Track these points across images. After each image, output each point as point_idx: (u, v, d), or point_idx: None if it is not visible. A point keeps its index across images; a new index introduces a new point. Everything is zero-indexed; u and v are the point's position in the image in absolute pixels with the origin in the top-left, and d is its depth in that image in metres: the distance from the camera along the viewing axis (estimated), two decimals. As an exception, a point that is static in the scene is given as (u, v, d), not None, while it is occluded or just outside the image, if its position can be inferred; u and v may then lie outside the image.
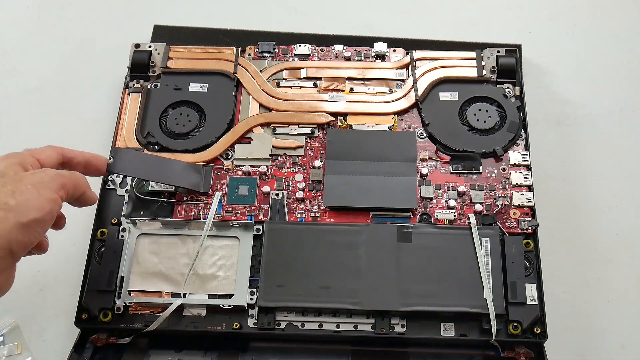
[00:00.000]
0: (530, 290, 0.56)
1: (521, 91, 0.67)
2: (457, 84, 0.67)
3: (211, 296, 0.57)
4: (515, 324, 0.55)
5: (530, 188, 0.62)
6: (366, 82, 0.68)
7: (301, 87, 0.68)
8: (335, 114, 0.66)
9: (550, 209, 0.65)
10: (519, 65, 0.68)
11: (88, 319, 0.57)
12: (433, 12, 0.78)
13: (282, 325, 0.56)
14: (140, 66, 0.68)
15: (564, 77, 0.73)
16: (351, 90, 0.67)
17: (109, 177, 0.63)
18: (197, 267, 0.58)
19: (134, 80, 0.68)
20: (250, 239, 0.59)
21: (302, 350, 0.57)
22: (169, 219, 0.60)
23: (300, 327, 0.56)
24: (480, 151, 0.63)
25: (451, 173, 0.63)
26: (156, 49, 0.69)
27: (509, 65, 0.67)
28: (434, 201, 0.61)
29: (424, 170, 0.62)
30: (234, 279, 0.58)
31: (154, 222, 0.60)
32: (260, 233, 0.59)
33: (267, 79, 0.68)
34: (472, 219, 0.59)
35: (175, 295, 0.57)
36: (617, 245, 0.64)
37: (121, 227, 0.60)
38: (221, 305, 0.57)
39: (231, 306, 0.57)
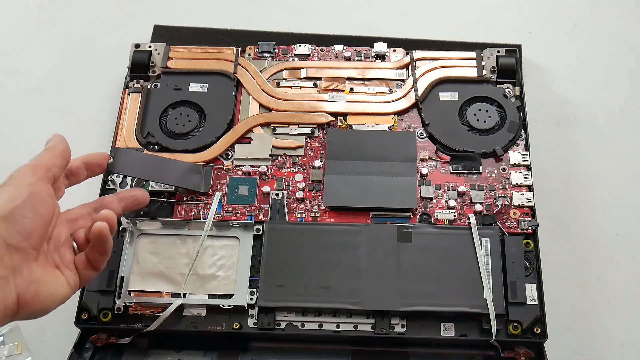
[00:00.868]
0: (530, 290, 0.56)
1: (521, 91, 0.67)
2: (457, 84, 0.67)
3: (211, 296, 0.57)
4: (515, 324, 0.55)
5: (530, 188, 0.62)
6: (366, 82, 0.68)
7: (301, 87, 0.68)
8: (335, 114, 0.66)
9: (550, 209, 0.65)
10: (519, 65, 0.68)
11: (88, 319, 0.57)
12: (433, 12, 0.78)
13: (282, 325, 0.56)
14: (140, 66, 0.68)
15: (564, 77, 0.73)
16: (351, 90, 0.67)
17: (109, 177, 0.63)
18: (197, 267, 0.58)
19: (134, 80, 0.68)
20: (250, 239, 0.59)
21: (302, 350, 0.57)
22: (169, 219, 0.60)
23: (300, 327, 0.56)
24: (480, 151, 0.63)
25: (451, 173, 0.63)
26: (156, 49, 0.69)
27: (509, 65, 0.67)
28: (434, 201, 0.61)
29: (424, 170, 0.62)
30: (234, 279, 0.58)
31: (154, 222, 0.60)
32: (260, 233, 0.59)
33: (267, 79, 0.68)
34: (472, 219, 0.59)
35: (175, 295, 0.57)
36: (617, 245, 0.64)
37: (121, 227, 0.60)
38: (221, 305, 0.57)
39: (231, 306, 0.57)
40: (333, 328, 0.56)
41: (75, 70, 0.75)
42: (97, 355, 0.57)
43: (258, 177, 0.63)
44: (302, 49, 0.70)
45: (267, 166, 0.63)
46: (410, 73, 0.68)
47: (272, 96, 0.67)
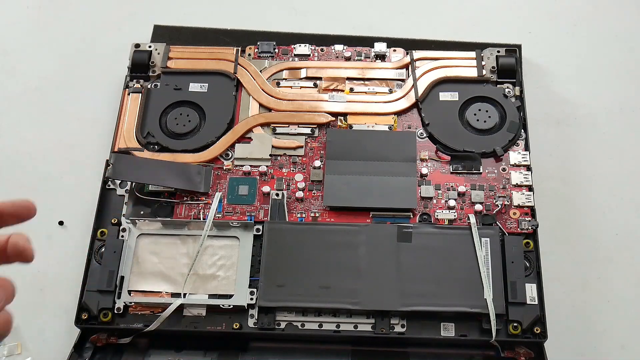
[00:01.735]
0: (530, 290, 0.56)
1: (521, 91, 0.67)
2: (457, 84, 0.67)
3: (211, 296, 0.57)
4: (515, 324, 0.55)
5: (530, 188, 0.62)
6: (366, 82, 0.68)
7: (301, 87, 0.68)
8: (335, 114, 0.66)
9: (550, 209, 0.65)
10: (519, 65, 0.68)
11: (88, 319, 0.57)
12: (433, 12, 0.78)
13: (282, 325, 0.56)
14: (140, 66, 0.68)
15: (564, 77, 0.73)
16: (351, 90, 0.67)
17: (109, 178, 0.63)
18: (197, 267, 0.58)
19: (134, 80, 0.68)
20: (250, 239, 0.59)
21: (302, 350, 0.57)
22: (169, 219, 0.60)
23: (300, 327, 0.56)
24: (480, 151, 0.63)
25: (451, 173, 0.63)
26: (156, 49, 0.69)
27: (509, 65, 0.67)
28: (434, 201, 0.61)
29: (424, 170, 0.62)
30: (234, 279, 0.58)
31: (154, 222, 0.60)
32: (260, 233, 0.59)
33: (267, 79, 0.68)
34: (472, 219, 0.59)
35: (175, 295, 0.57)
36: (617, 245, 0.64)
37: (121, 227, 0.60)
38: (221, 305, 0.57)
39: (231, 306, 0.57)
40: (333, 328, 0.56)
41: (75, 70, 0.75)
42: (97, 355, 0.57)
43: (258, 177, 0.63)
44: (302, 49, 0.70)
45: (267, 166, 0.63)
46: (410, 73, 0.68)
47: (272, 96, 0.67)
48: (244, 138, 0.65)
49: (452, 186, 0.62)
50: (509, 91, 0.66)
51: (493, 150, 0.63)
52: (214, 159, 0.64)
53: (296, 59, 0.70)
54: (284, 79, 0.69)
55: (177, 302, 0.56)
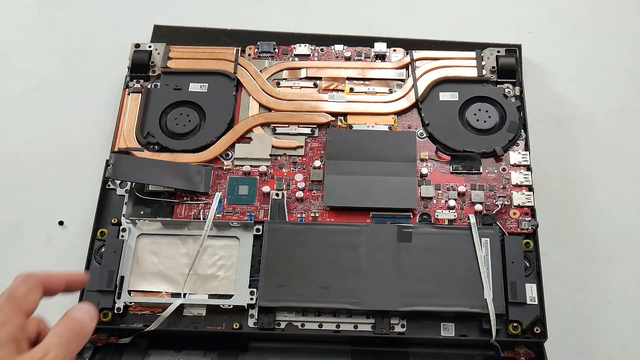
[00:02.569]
0: (530, 290, 0.56)
1: (521, 91, 0.67)
2: (457, 84, 0.67)
3: (211, 296, 0.57)
4: (515, 324, 0.55)
5: (530, 188, 0.62)
6: (366, 82, 0.68)
7: (301, 87, 0.68)
8: (335, 114, 0.66)
9: (550, 209, 0.65)
10: (519, 65, 0.68)
11: (88, 319, 0.57)
12: (433, 12, 0.78)
13: (282, 325, 0.56)
14: (140, 66, 0.68)
15: (564, 77, 0.73)
16: (351, 90, 0.67)
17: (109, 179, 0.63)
18: (197, 267, 0.58)
19: (134, 80, 0.68)
20: (250, 239, 0.59)
21: (302, 350, 0.57)
22: (169, 219, 0.60)
23: (300, 327, 0.56)
24: (480, 151, 0.63)
25: (451, 173, 0.63)
26: (156, 49, 0.69)
27: (509, 65, 0.67)
28: (434, 201, 0.61)
29: (424, 170, 0.62)
30: (234, 279, 0.58)
31: (154, 222, 0.60)
32: (260, 233, 0.59)
33: (267, 79, 0.68)
34: (472, 219, 0.59)
35: (175, 295, 0.57)
36: (617, 245, 0.64)
37: (121, 227, 0.60)
38: (221, 305, 0.57)
39: (231, 306, 0.57)
40: (333, 328, 0.56)
41: (75, 70, 0.75)
42: (97, 355, 0.57)
43: (258, 177, 0.63)
44: (302, 49, 0.70)
45: (267, 166, 0.63)
46: (410, 73, 0.68)
47: (272, 96, 0.67)
48: (244, 138, 0.65)
49: (452, 186, 0.62)
50: (509, 91, 0.66)
51: (493, 150, 0.63)
52: (214, 159, 0.64)
53: (296, 59, 0.70)
54: (284, 79, 0.69)
55: (177, 302, 0.56)
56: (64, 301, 0.61)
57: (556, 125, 0.71)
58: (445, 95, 0.67)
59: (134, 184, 0.62)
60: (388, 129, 0.65)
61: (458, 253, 0.57)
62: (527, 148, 0.64)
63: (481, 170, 0.63)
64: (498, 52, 0.68)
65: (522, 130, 0.65)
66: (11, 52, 0.76)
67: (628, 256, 0.64)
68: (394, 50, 0.70)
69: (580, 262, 0.64)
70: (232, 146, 0.65)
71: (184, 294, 0.57)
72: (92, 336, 0.57)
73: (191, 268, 0.58)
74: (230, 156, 0.64)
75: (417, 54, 0.69)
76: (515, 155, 0.63)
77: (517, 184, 0.62)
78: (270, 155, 0.64)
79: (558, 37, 0.76)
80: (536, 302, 0.56)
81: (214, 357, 0.56)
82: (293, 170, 0.64)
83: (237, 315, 0.57)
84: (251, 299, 0.57)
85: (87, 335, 0.38)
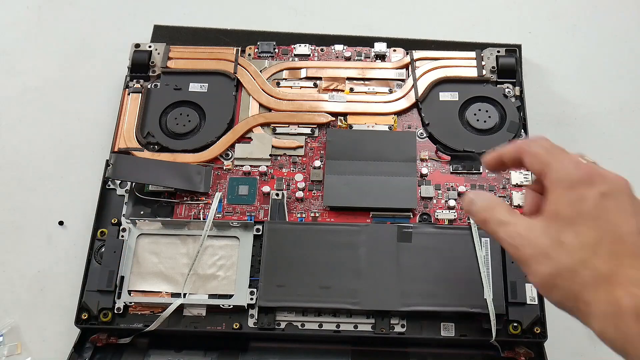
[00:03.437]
0: (530, 290, 0.56)
1: (521, 91, 0.67)
2: (457, 84, 0.67)
3: (211, 296, 0.57)
4: (515, 324, 0.55)
5: (530, 188, 0.61)
6: (366, 82, 0.68)
7: (301, 87, 0.68)
8: (335, 114, 0.66)
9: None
10: (519, 65, 0.68)
11: (88, 319, 0.57)
12: (433, 12, 0.78)
13: (282, 325, 0.56)
14: (140, 66, 0.68)
15: (564, 77, 0.73)
16: (351, 90, 0.67)
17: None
18: (197, 267, 0.58)
19: (134, 80, 0.68)
20: (250, 239, 0.59)
21: (302, 350, 0.57)
22: (169, 219, 0.60)
23: (300, 327, 0.56)
24: (480, 151, 0.63)
25: (451, 173, 0.63)
26: (156, 49, 0.69)
27: (509, 65, 0.67)
28: (434, 201, 0.61)
29: (424, 170, 0.62)
30: (234, 279, 0.58)
31: (154, 222, 0.60)
32: (260, 233, 0.59)
33: (267, 79, 0.68)
34: (472, 219, 0.59)
35: (175, 295, 0.57)
36: (617, 245, 0.64)
37: (121, 227, 0.60)
38: (221, 305, 0.57)
39: (231, 306, 0.57)
40: (333, 328, 0.56)
41: (75, 70, 0.75)
42: (97, 355, 0.57)
43: (258, 177, 0.63)
44: (302, 49, 0.70)
45: (267, 166, 0.63)
46: (410, 73, 0.68)
47: (272, 96, 0.67)
48: (244, 138, 0.65)
49: (452, 186, 0.62)
50: (509, 91, 0.67)
51: (493, 150, 0.63)
52: (214, 159, 0.64)
53: (296, 59, 0.70)
54: (284, 79, 0.69)
55: (177, 302, 0.56)
56: (63, 301, 0.61)
57: (556, 125, 0.71)
58: (445, 95, 0.67)
59: (134, 184, 0.62)
60: (388, 129, 0.65)
61: (458, 253, 0.57)
62: (527, 148, 0.64)
63: (481, 170, 0.63)
64: (498, 52, 0.68)
65: (522, 130, 0.65)
66: (11, 52, 0.76)
67: (628, 256, 0.64)
68: (394, 50, 0.70)
69: (580, 262, 0.63)
70: (232, 146, 0.65)
71: (184, 294, 0.57)
72: (92, 336, 0.57)
73: (191, 268, 0.58)
74: (230, 156, 0.64)
75: (417, 54, 0.69)
76: (515, 155, 0.63)
77: (517, 184, 0.62)
78: (270, 155, 0.64)
79: (558, 37, 0.76)
80: (536, 302, 0.56)
81: (214, 357, 0.56)
82: (293, 170, 0.64)
83: (237, 315, 0.57)
84: (251, 299, 0.57)
85: None
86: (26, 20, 0.78)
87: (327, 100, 0.67)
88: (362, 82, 0.68)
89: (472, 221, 0.59)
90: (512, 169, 0.53)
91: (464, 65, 0.68)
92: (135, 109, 0.66)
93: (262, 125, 0.66)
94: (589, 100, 0.72)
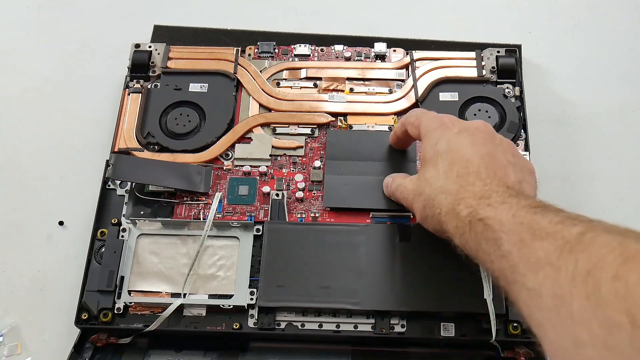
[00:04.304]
0: (530, 290, 0.56)
1: (521, 91, 0.67)
2: (457, 84, 0.67)
3: (211, 296, 0.57)
4: (515, 324, 0.55)
5: (530, 188, 0.61)
6: (366, 82, 0.68)
7: (301, 87, 0.68)
8: (335, 114, 0.66)
9: (550, 209, 0.65)
10: (519, 65, 0.68)
11: (88, 319, 0.57)
12: (433, 12, 0.78)
13: (282, 325, 0.56)
14: (140, 66, 0.68)
15: (564, 77, 0.73)
16: (351, 90, 0.67)
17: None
18: (197, 267, 0.58)
19: (134, 80, 0.68)
20: (250, 239, 0.59)
21: (302, 350, 0.57)
22: (169, 219, 0.60)
23: (300, 327, 0.56)
24: (480, 151, 0.63)
25: (451, 173, 0.63)
26: (156, 49, 0.69)
27: (509, 66, 0.67)
28: (434, 201, 0.61)
29: (424, 170, 0.62)
30: (234, 279, 0.58)
31: (154, 222, 0.60)
32: (260, 233, 0.59)
33: (267, 79, 0.68)
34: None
35: (175, 295, 0.57)
36: (617, 245, 0.64)
37: (121, 227, 0.60)
38: (221, 305, 0.57)
39: (231, 306, 0.57)
40: (333, 328, 0.56)
41: (76, 70, 0.75)
42: (97, 355, 0.57)
43: (258, 177, 0.63)
44: (302, 49, 0.70)
45: (267, 166, 0.63)
46: (410, 73, 0.68)
47: (272, 96, 0.67)
48: (244, 138, 0.65)
49: (452, 186, 0.62)
50: (508, 91, 0.67)
51: (493, 150, 0.63)
52: (214, 159, 0.64)
53: (296, 59, 0.70)
54: (284, 79, 0.69)
55: (177, 302, 0.56)
56: (63, 301, 0.61)
57: (556, 125, 0.71)
58: (445, 96, 0.67)
59: (134, 184, 0.62)
60: (388, 129, 0.65)
61: (458, 253, 0.57)
62: (527, 148, 0.64)
63: (481, 170, 0.63)
64: (498, 52, 0.68)
65: (522, 131, 0.65)
66: (11, 52, 0.76)
67: (628, 256, 0.64)
68: (394, 51, 0.70)
69: (580, 262, 0.63)
70: (232, 146, 0.65)
71: (184, 294, 0.57)
72: (92, 336, 0.57)
73: (191, 268, 0.58)
74: (230, 156, 0.64)
75: (417, 54, 0.69)
76: (515, 156, 0.63)
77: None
78: (270, 155, 0.64)
79: (558, 37, 0.76)
80: (536, 302, 0.56)
81: (214, 357, 0.56)
82: (293, 171, 0.64)
83: (237, 315, 0.57)
84: (251, 299, 0.57)
85: None
86: (26, 20, 0.78)
87: (327, 101, 0.67)
88: (362, 82, 0.68)
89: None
90: (409, 142, 0.60)
91: (464, 66, 0.68)
92: (135, 109, 0.66)
93: (262, 125, 0.66)
94: (589, 100, 0.72)
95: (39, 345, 0.60)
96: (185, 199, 0.62)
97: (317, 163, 0.63)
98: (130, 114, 0.66)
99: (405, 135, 0.56)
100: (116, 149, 0.64)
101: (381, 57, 0.70)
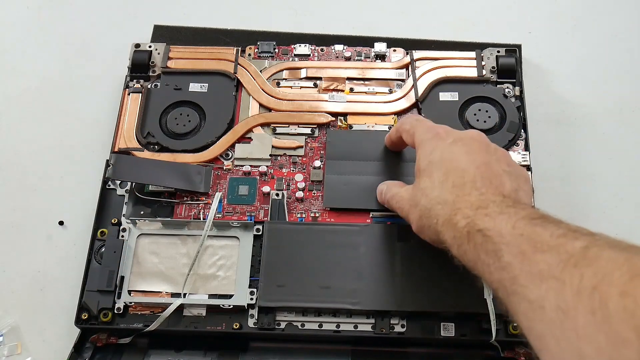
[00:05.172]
0: (530, 290, 0.56)
1: (521, 91, 0.67)
2: (457, 84, 0.67)
3: (211, 296, 0.57)
4: (515, 324, 0.55)
5: (530, 188, 0.61)
6: (366, 82, 0.68)
7: (301, 87, 0.68)
8: (335, 114, 0.66)
9: (550, 209, 0.64)
10: (519, 65, 0.68)
11: (88, 319, 0.57)
12: (433, 12, 0.78)
13: (282, 325, 0.56)
14: (140, 66, 0.68)
15: (564, 77, 0.73)
16: (351, 90, 0.67)
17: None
18: (197, 267, 0.58)
19: (134, 80, 0.68)
20: (250, 239, 0.59)
21: (302, 350, 0.57)
22: (169, 219, 0.60)
23: (300, 327, 0.56)
24: (480, 151, 0.63)
25: (451, 173, 0.63)
26: (156, 49, 0.69)
27: (509, 65, 0.67)
28: (434, 201, 0.61)
29: (424, 170, 0.62)
30: (234, 279, 0.58)
31: (154, 222, 0.60)
32: (260, 233, 0.59)
33: (267, 79, 0.68)
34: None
35: (175, 295, 0.57)
36: (617, 245, 0.64)
37: (121, 227, 0.60)
38: (221, 305, 0.57)
39: (231, 306, 0.57)
40: (333, 328, 0.56)
41: (75, 70, 0.75)
42: (97, 355, 0.57)
43: (258, 177, 0.63)
44: (302, 49, 0.70)
45: (267, 166, 0.63)
46: (410, 73, 0.68)
47: (272, 96, 0.67)
48: (244, 138, 0.65)
49: (452, 186, 0.62)
50: (508, 91, 0.67)
51: (493, 150, 0.63)
52: (214, 159, 0.64)
53: (296, 59, 0.70)
54: (284, 79, 0.69)
55: (177, 302, 0.56)
56: (63, 301, 0.61)
57: (556, 125, 0.71)
58: (445, 95, 0.67)
59: (134, 184, 0.62)
60: (388, 129, 0.65)
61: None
62: (527, 148, 0.64)
63: (481, 170, 0.63)
64: (498, 52, 0.68)
65: (522, 131, 0.65)
66: (11, 52, 0.76)
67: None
68: (394, 50, 0.70)
69: (580, 262, 0.63)
70: (232, 146, 0.65)
71: (184, 294, 0.57)
72: (92, 336, 0.57)
73: (191, 268, 0.58)
74: (230, 156, 0.64)
75: (417, 54, 0.69)
76: (515, 156, 0.63)
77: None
78: (270, 155, 0.64)
79: (558, 37, 0.76)
80: (536, 302, 0.56)
81: (214, 357, 0.57)
82: (293, 170, 0.64)
83: (237, 315, 0.57)
84: (251, 299, 0.57)
85: None
86: (26, 20, 0.78)
87: (327, 100, 0.67)
88: (362, 82, 0.68)
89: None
90: (402, 146, 0.59)
91: (464, 65, 0.68)
92: (135, 109, 0.66)
93: (262, 125, 0.66)
94: (589, 100, 0.72)
95: (39, 345, 0.60)
96: (185, 199, 0.62)
97: (317, 163, 0.63)
98: (130, 114, 0.66)
99: (399, 141, 0.57)
100: (116, 149, 0.64)
101: (381, 57, 0.70)
